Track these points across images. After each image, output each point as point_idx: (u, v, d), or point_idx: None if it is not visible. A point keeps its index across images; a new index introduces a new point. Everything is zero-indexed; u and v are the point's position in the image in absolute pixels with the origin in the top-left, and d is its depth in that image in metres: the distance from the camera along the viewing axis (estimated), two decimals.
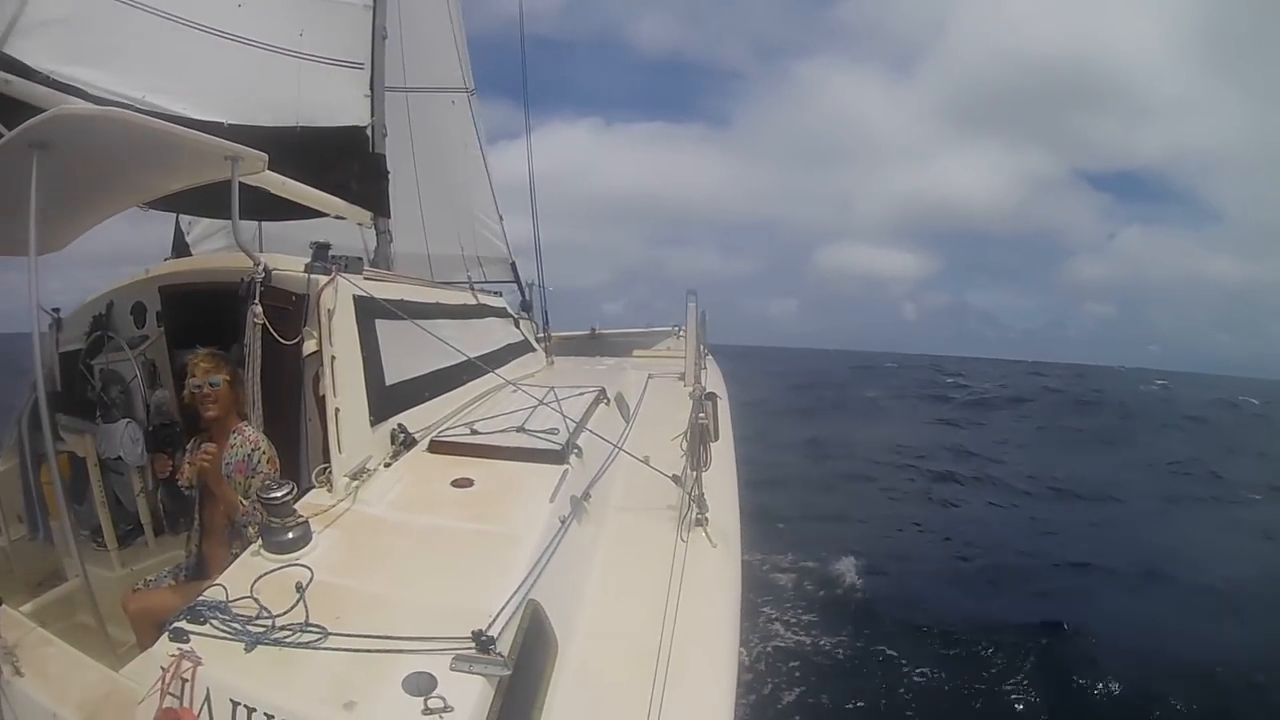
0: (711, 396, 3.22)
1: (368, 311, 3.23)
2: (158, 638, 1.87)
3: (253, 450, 3.06)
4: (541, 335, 7.03)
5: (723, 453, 3.77)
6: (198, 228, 5.95)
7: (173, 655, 1.74)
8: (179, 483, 3.38)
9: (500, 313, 5.78)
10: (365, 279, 3.39)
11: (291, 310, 3.13)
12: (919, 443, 19.09)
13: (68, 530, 3.10)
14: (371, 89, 4.73)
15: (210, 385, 3.11)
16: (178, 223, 6.02)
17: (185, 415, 3.69)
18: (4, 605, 2.93)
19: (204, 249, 5.84)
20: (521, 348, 5.78)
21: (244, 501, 2.97)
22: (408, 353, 3.49)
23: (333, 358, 2.95)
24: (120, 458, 3.82)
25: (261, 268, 3.11)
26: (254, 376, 3.13)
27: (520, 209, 8.06)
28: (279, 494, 2.29)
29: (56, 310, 4.29)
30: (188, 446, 3.31)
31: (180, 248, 6.00)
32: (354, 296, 3.15)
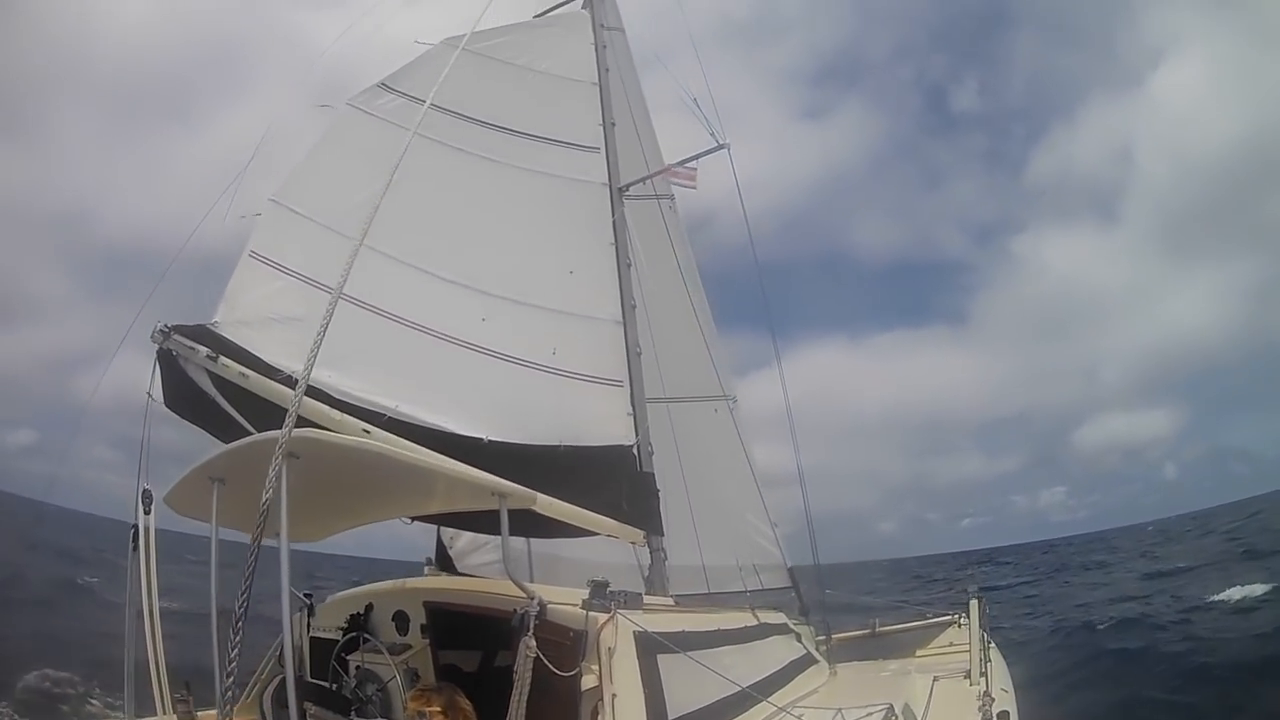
0: (1004, 715, 3.04)
1: (648, 648, 3.17)
2: None
3: None
4: (822, 639, 6.50)
5: None
6: (461, 540, 6.23)
7: None
8: None
9: (781, 629, 5.52)
10: (645, 612, 3.39)
11: (569, 645, 3.12)
12: None
13: None
14: (633, 406, 4.82)
15: (420, 718, 3.20)
16: (440, 534, 6.42)
17: None
18: None
19: (469, 563, 6.08)
20: (804, 662, 5.45)
21: None
22: (690, 685, 3.33)
23: (614, 696, 2.92)
24: None
25: (536, 601, 3.15)
26: (519, 708, 3.04)
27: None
28: None
29: (309, 595, 4.53)
30: None
31: (443, 559, 6.33)
32: (634, 634, 3.14)
